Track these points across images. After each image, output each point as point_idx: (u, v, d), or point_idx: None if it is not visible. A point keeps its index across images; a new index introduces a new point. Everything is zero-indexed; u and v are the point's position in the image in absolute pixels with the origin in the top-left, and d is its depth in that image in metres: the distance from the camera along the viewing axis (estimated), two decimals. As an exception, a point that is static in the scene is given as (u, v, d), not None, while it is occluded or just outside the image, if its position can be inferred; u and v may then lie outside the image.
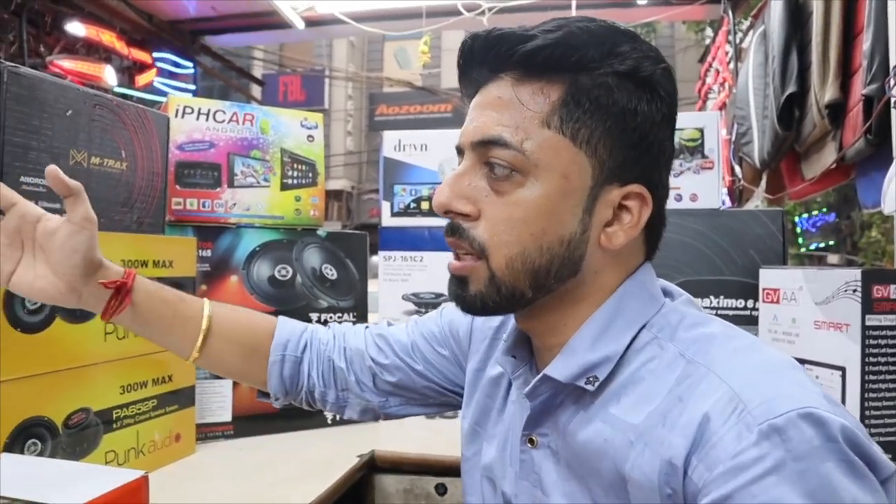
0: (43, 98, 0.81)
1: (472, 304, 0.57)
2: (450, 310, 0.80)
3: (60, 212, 0.84)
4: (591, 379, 0.55)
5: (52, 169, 0.64)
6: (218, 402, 1.19)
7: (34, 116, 0.80)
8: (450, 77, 12.07)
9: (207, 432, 1.17)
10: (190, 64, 4.84)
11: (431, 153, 1.40)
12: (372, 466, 1.17)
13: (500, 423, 0.68)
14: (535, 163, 0.53)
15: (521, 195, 0.54)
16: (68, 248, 0.65)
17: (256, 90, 7.85)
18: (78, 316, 0.86)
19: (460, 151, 0.58)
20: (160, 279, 1.00)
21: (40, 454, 0.80)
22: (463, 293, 0.57)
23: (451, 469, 1.12)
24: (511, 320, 0.66)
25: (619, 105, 0.54)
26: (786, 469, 0.43)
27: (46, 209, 0.82)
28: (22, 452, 0.78)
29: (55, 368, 0.83)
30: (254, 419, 1.22)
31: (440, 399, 0.78)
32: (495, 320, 0.73)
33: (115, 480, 0.66)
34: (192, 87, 4.93)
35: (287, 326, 0.78)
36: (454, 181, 0.56)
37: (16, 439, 0.77)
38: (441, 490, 1.20)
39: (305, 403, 0.79)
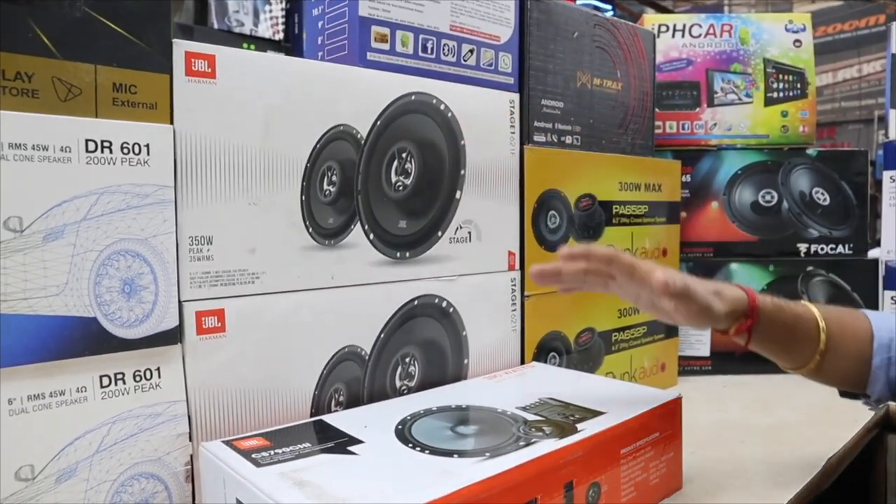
0: (556, 21, 0.83)
1: None
2: None
3: (571, 133, 0.86)
4: None
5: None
6: (697, 335, 1.14)
7: (550, 40, 0.82)
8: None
9: (686, 365, 1.13)
10: (609, 7, 4.86)
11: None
12: (885, 424, 0.99)
13: None
14: None
15: None
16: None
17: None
18: (586, 237, 0.87)
19: None
20: (651, 203, 0.97)
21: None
22: None
23: None
24: None
25: None
26: None
27: (560, 131, 0.85)
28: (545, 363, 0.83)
29: (569, 286, 0.85)
30: (731, 357, 1.13)
31: None
32: None
33: (654, 399, 0.64)
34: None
35: (884, 322, 0.67)
36: None
37: (541, 350, 0.82)
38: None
39: None
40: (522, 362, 0.81)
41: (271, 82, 0.58)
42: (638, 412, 0.59)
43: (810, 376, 0.67)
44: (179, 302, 0.53)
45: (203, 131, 0.54)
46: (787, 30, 1.16)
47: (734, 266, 1.12)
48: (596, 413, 0.59)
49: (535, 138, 0.81)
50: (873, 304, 1.14)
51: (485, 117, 0.76)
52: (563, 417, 0.58)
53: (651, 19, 1.16)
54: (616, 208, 0.91)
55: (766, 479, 0.70)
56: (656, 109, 1.12)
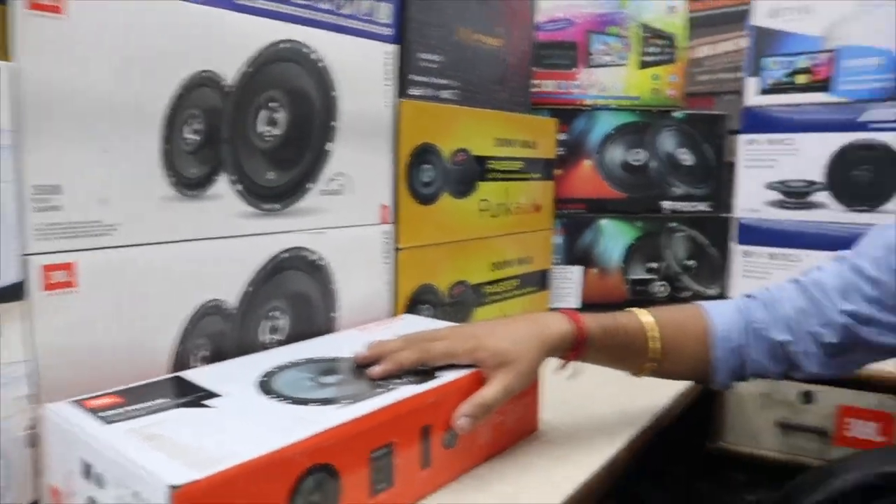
0: (435, -27, 0.83)
1: None
2: (891, 230, 0.67)
3: (449, 88, 0.87)
4: None
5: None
6: (568, 287, 1.20)
7: (429, -8, 0.82)
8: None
9: (557, 315, 1.19)
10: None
11: (816, 16, 1.17)
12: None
13: None
14: None
15: None
16: None
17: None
18: (460, 191, 0.89)
19: None
20: (526, 159, 1.00)
21: (430, 319, 0.87)
22: None
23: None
24: None
25: None
26: None
27: (438, 85, 0.85)
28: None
29: (443, 240, 0.88)
30: (600, 307, 1.19)
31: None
32: None
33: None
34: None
35: (720, 316, 0.72)
36: None
37: (413, 303, 0.84)
38: (806, 399, 1.08)
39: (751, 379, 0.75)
40: (395, 315, 0.83)
41: (129, 21, 0.55)
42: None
43: (651, 376, 0.72)
44: (23, 255, 0.51)
45: (49, 71, 0.51)
46: (662, -5, 1.21)
47: (604, 222, 1.18)
48: (457, 361, 0.62)
49: (412, 91, 0.81)
50: (728, 257, 1.25)
51: (359, 68, 0.75)
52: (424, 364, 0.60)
53: (534, -24, 1.17)
54: (491, 163, 0.94)
55: (619, 419, 0.75)
56: (536, 68, 1.15)
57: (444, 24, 0.84)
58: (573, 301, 1.20)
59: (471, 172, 0.90)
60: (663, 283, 1.22)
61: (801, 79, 1.20)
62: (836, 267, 0.70)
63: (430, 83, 0.84)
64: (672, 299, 1.23)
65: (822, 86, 1.19)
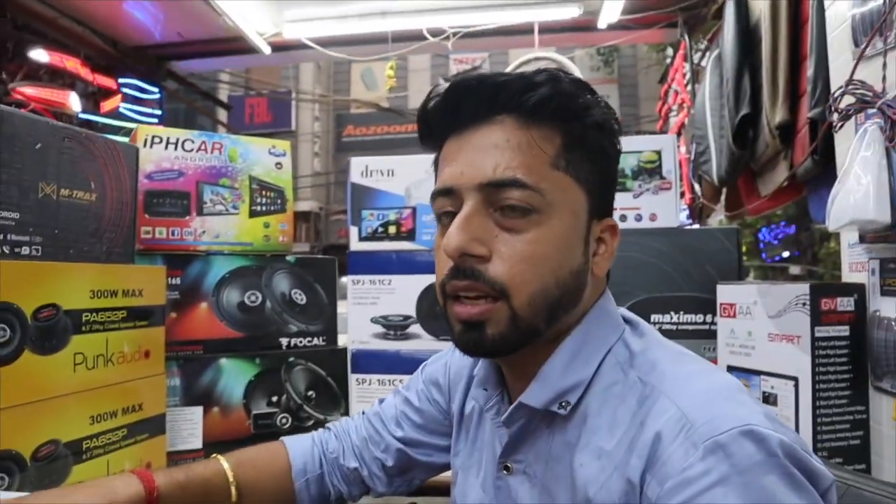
0: (12, 132, 0.83)
1: (491, 348, 0.58)
2: (429, 366, 0.83)
3: (30, 244, 0.86)
4: (563, 404, 0.59)
5: None
6: (189, 428, 1.20)
7: (3, 150, 0.81)
8: (417, 99, 12.20)
9: (178, 460, 1.17)
10: (156, 89, 4.81)
11: (398, 178, 1.43)
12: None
13: (474, 454, 0.71)
14: (549, 202, 0.57)
15: (539, 233, 0.56)
16: None
17: (223, 113, 7.82)
18: (47, 347, 0.86)
19: (450, 192, 0.59)
20: (130, 308, 1.01)
21: (8, 488, 0.80)
22: (480, 337, 0.57)
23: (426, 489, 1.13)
24: None
25: (602, 148, 0.60)
26: (730, 482, 0.47)
27: (15, 242, 0.84)
28: (-9, 486, 0.78)
29: (24, 401, 0.83)
30: (225, 445, 1.21)
31: (444, 459, 0.80)
32: (469, 358, 0.76)
33: None
34: (158, 111, 4.89)
35: (298, 449, 0.81)
36: (464, 224, 0.57)
37: (-14, 473, 0.77)
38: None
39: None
40: (-40, 489, 0.75)
41: None
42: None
43: None
44: None
45: None
46: (270, 153, 1.35)
47: (223, 361, 1.22)
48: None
49: (-17, 250, 0.79)
50: (345, 385, 1.37)
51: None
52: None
53: (145, 130, 1.22)
54: (87, 316, 0.92)
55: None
56: (147, 216, 1.18)
57: (22, 181, 0.84)
58: (196, 442, 1.20)
59: (61, 328, 0.88)
60: (285, 415, 1.29)
61: (391, 229, 1.43)
62: (392, 399, 0.84)
63: (7, 241, 0.82)
64: (296, 429, 1.30)
65: (409, 235, 1.43)
